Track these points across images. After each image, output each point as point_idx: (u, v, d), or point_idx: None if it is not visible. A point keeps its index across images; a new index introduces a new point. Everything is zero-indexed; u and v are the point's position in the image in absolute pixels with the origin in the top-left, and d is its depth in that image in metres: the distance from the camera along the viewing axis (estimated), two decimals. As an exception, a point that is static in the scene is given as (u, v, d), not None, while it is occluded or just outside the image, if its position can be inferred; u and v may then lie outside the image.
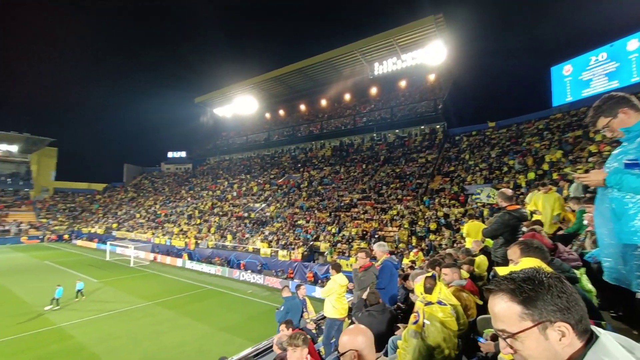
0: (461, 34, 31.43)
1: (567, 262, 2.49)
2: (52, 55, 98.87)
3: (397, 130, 34.37)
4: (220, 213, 32.23)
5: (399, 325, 3.37)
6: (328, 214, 24.47)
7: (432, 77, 35.88)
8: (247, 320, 13.76)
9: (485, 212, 16.83)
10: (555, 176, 16.73)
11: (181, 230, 31.22)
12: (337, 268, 5.66)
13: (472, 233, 6.79)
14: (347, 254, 18.86)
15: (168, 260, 26.62)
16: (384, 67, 34.22)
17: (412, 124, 33.11)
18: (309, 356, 2.93)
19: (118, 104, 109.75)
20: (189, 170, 54.84)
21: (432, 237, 17.75)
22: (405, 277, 5.10)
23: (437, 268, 3.90)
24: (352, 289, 5.45)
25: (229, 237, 26.41)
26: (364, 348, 1.62)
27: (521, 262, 1.83)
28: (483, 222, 9.14)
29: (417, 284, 2.74)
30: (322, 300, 5.99)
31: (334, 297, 5.36)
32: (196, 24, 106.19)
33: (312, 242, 21.46)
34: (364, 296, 4.07)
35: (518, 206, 3.76)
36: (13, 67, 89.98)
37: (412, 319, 2.47)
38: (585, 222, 3.56)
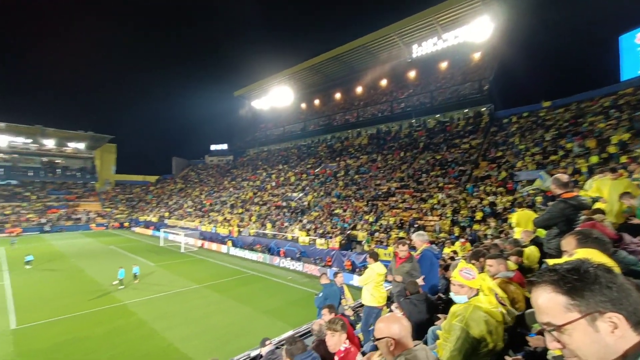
0: (511, 6, 28.58)
1: (635, 255, 2.22)
2: (110, 61, 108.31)
3: (437, 115, 32.70)
4: (260, 202, 33.47)
5: (439, 315, 3.29)
6: (365, 203, 24.28)
7: (476, 56, 33.37)
8: (287, 305, 14.31)
9: (538, 200, 15.52)
10: (624, 159, 14.85)
11: (225, 218, 33.01)
12: (375, 257, 5.64)
13: (522, 223, 6.31)
14: (384, 243, 18.65)
15: (214, 246, 28.41)
16: (423, 48, 32.51)
17: (454, 107, 31.25)
18: (347, 341, 2.99)
19: (166, 103, 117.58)
20: (231, 161, 57.41)
21: (476, 227, 16.84)
22: (447, 267, 4.94)
23: (481, 259, 3.71)
24: (389, 280, 5.40)
25: (269, 225, 27.41)
26: (400, 336, 1.62)
27: (577, 254, 1.67)
28: (535, 211, 8.45)
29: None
30: (360, 288, 6.03)
31: (372, 285, 5.36)
32: (233, 21, 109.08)
33: (349, 231, 21.52)
34: (397, 279, 4.01)
35: (575, 193, 3.40)
36: (79, 73, 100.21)
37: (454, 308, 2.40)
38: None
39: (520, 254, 3.93)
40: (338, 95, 46.86)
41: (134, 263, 19.20)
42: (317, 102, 49.75)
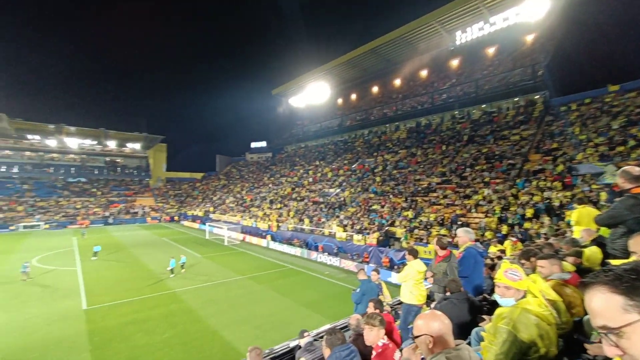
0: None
1: None
2: (160, 68, 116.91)
3: (483, 106, 30.64)
4: (298, 198, 34.11)
5: (484, 317, 3.11)
6: (404, 199, 23.62)
7: (529, 39, 30.57)
8: (324, 298, 14.49)
9: (603, 196, 13.90)
10: None
11: (264, 213, 34.18)
12: (414, 254, 5.49)
13: (583, 221, 5.70)
14: (424, 240, 18.01)
15: (255, 240, 29.60)
16: (467, 34, 30.52)
17: (502, 96, 29.02)
18: (385, 337, 2.95)
19: (210, 104, 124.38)
20: (269, 158, 59.17)
21: (527, 225, 15.58)
22: (493, 267, 4.64)
23: (532, 259, 3.43)
24: (427, 277, 5.23)
25: (306, 220, 27.86)
26: (440, 334, 1.56)
27: (649, 255, 1.47)
28: (598, 208, 7.58)
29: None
30: (398, 286, 5.91)
31: (411, 283, 5.22)
32: (271, 20, 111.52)
33: (387, 228, 21.11)
34: (428, 276, 3.85)
35: (648, 188, 3.00)
36: (133, 79, 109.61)
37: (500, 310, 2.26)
38: None
39: (579, 254, 3.56)
40: (375, 89, 45.93)
41: (182, 254, 20.74)
42: (353, 96, 49.23)
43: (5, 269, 19.15)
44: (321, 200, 30.91)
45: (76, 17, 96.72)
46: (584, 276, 2.94)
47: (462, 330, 3.05)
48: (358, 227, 22.90)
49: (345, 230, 23.12)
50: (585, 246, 3.96)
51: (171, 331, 10.79)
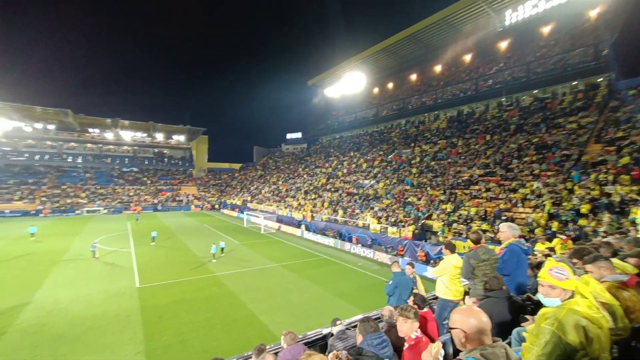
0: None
1: None
2: (200, 62, 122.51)
3: (535, 91, 28.06)
4: (332, 189, 34.23)
5: (527, 317, 2.94)
6: (442, 192, 22.67)
7: (592, 15, 27.24)
8: (357, 289, 14.54)
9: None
10: None
11: (299, 204, 34.83)
12: (452, 248, 5.29)
13: (650, 219, 5.09)
14: (464, 235, 17.21)
15: (290, 230, 30.36)
16: (518, 13, 27.88)
17: (558, 80, 26.33)
18: (418, 330, 2.92)
19: (248, 96, 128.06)
20: (304, 149, 59.81)
21: (582, 221, 14.20)
22: (538, 266, 4.33)
23: (586, 258, 3.14)
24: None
25: (340, 211, 27.92)
26: (475, 330, 1.50)
27: None
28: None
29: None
30: (434, 280, 5.76)
31: (447, 277, 5.05)
32: (306, 9, 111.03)
33: (423, 221, 20.49)
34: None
35: None
36: (178, 74, 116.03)
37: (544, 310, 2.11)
38: None
39: (643, 255, 3.19)
40: (413, 77, 44.07)
41: (222, 240, 21.94)
42: (390, 85, 47.74)
43: (76, 247, 21.73)
44: (355, 191, 30.73)
45: (132, 21, 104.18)
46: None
47: (502, 330, 2.91)
48: (393, 219, 22.49)
49: (379, 222, 22.84)
50: (651, 247, 3.53)
51: (213, 312, 11.55)
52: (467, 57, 37.28)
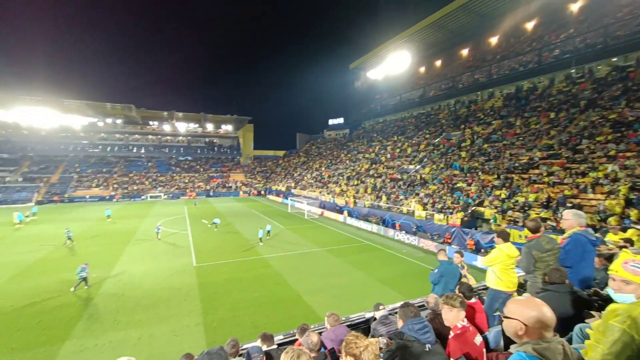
0: None
1: None
2: (244, 52, 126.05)
3: (614, 59, 24.21)
4: (375, 175, 33.63)
5: (592, 312, 2.66)
6: (496, 176, 21.02)
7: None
8: (400, 276, 14.34)
9: None
10: None
11: (342, 190, 34.90)
12: (505, 237, 4.93)
13: None
14: (520, 223, 15.88)
15: (332, 215, 30.70)
16: (593, -31, 23.98)
17: (644, 45, 22.37)
18: (465, 319, 2.81)
19: (291, 84, 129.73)
20: (347, 135, 59.27)
21: (671, 210, 12.21)
22: (610, 258, 3.86)
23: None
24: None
25: (384, 197, 27.42)
26: (535, 324, 1.39)
27: None
28: None
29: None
30: (483, 271, 5.45)
31: (499, 267, 4.73)
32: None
33: (474, 208, 19.28)
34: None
35: None
36: (225, 66, 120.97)
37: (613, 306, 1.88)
38: None
39: None
40: (465, 52, 40.73)
41: (268, 224, 22.98)
42: (438, 63, 44.75)
43: (143, 228, 24.44)
44: (399, 177, 29.86)
45: (186, 24, 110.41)
46: None
47: (563, 326, 2.67)
48: (440, 206, 21.52)
49: (425, 209, 22.03)
50: None
51: (261, 291, 12.29)
52: (530, 25, 33.25)
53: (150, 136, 63.97)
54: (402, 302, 3.29)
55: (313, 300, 11.37)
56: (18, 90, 47.07)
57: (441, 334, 2.98)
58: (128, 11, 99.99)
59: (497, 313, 4.76)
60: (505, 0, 31.29)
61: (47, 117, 51.59)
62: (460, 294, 3.18)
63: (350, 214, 28.62)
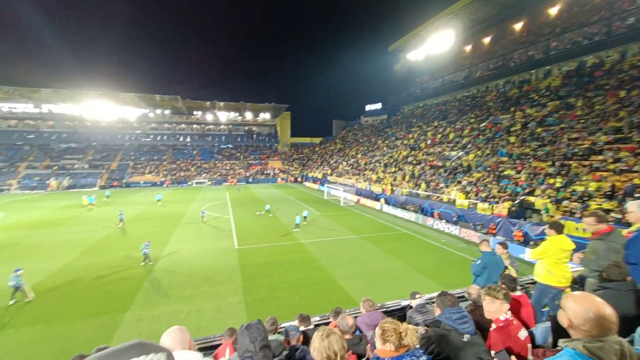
0: None
1: None
2: (280, 40, 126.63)
3: None
4: (414, 162, 32.50)
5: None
6: (550, 163, 19.24)
7: None
8: (438, 265, 13.93)
9: None
10: None
11: (379, 177, 34.31)
12: (558, 228, 4.56)
13: None
14: (577, 215, 14.49)
15: (368, 203, 30.41)
16: None
17: None
18: (509, 312, 2.69)
19: (327, 70, 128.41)
20: (384, 121, 57.63)
21: None
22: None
23: None
24: (573, 258, 4.27)
25: (423, 185, 26.49)
26: (591, 322, 1.28)
27: None
28: None
29: None
30: (530, 264, 5.10)
31: (550, 261, 4.40)
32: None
33: (523, 197, 17.92)
34: (575, 259, 3.09)
35: None
36: (263, 54, 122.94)
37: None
38: None
39: None
40: (518, 27, 37.10)
41: (304, 210, 23.43)
42: (486, 41, 41.32)
43: (189, 212, 26.29)
44: (440, 164, 28.56)
45: (225, 18, 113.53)
46: None
47: (625, 326, 2.44)
48: (484, 194, 20.31)
49: (467, 198, 20.94)
50: None
51: (299, 274, 12.71)
52: (597, -9, 29.22)
53: (194, 125, 67.67)
54: (439, 292, 3.22)
55: (348, 285, 11.52)
56: (84, 86, 52.32)
57: (482, 326, 2.89)
58: (170, 11, 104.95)
59: (546, 309, 4.47)
60: (568, -36, 27.69)
61: (106, 109, 56.86)
62: (504, 286, 3.03)
63: (387, 202, 28.15)
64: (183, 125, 66.97)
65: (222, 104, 64.39)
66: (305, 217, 21.72)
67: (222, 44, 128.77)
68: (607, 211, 13.32)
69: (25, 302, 10.17)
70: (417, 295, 4.82)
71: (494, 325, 2.66)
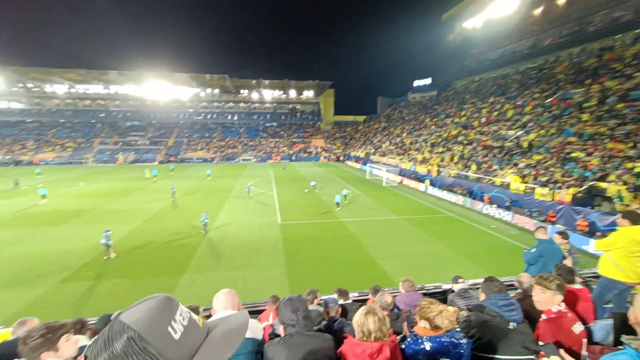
0: None
1: None
2: (326, 10, 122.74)
3: None
4: (465, 142, 30.40)
5: None
6: (631, 145, 16.72)
7: None
8: (485, 251, 13.22)
9: None
10: None
11: (424, 157, 32.82)
12: (633, 218, 4.01)
13: None
14: (661, 205, 12.58)
15: (412, 184, 29.43)
16: None
17: None
18: (563, 304, 2.50)
19: (373, 43, 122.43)
20: (434, 97, 54.19)
21: None
22: None
23: None
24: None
25: (473, 167, 24.82)
26: None
27: None
28: None
29: None
30: (594, 257, 4.61)
31: (618, 254, 3.93)
32: None
33: (592, 182, 15.96)
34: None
35: None
36: (307, 29, 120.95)
37: None
38: None
39: None
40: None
41: (345, 189, 23.50)
42: (560, 2, 35.79)
43: (237, 187, 27.88)
44: (495, 144, 26.35)
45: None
46: None
47: None
48: (544, 178, 18.46)
49: (524, 182, 19.23)
50: None
51: (338, 251, 12.99)
52: None
53: (241, 104, 70.06)
54: (485, 277, 3.08)
55: (387, 265, 11.52)
56: (143, 68, 56.50)
57: (531, 316, 2.73)
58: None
59: (610, 305, 4.07)
60: None
61: (163, 89, 61.18)
62: (558, 276, 2.80)
63: (432, 184, 26.98)
64: (231, 104, 69.69)
65: (267, 82, 65.36)
66: (345, 196, 21.79)
67: (266, 21, 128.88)
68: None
69: (109, 260, 11.92)
70: (460, 280, 4.67)
71: (544, 316, 2.50)
